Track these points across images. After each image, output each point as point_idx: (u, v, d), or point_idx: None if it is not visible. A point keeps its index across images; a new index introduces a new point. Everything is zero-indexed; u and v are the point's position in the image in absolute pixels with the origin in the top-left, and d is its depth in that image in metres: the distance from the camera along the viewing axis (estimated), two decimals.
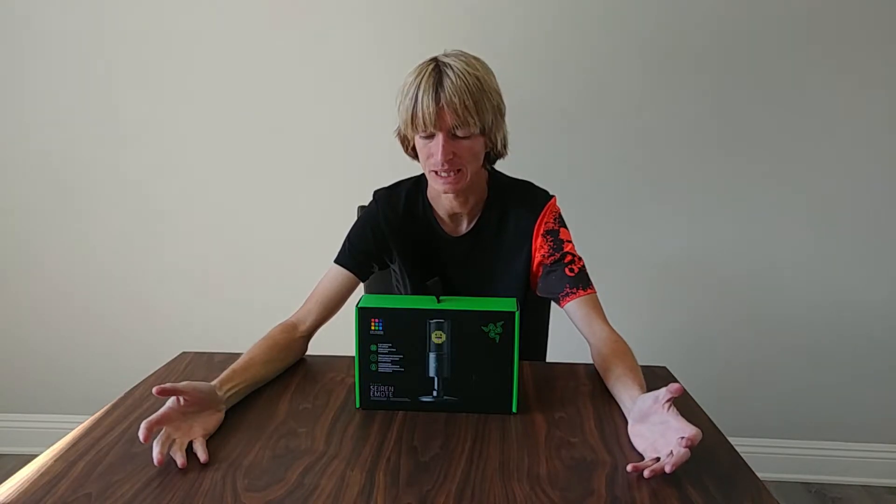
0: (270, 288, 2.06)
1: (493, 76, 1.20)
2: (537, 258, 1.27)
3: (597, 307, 1.22)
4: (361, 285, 1.32)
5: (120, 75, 1.96)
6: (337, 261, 1.29)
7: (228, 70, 1.95)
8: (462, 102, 1.11)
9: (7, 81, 1.99)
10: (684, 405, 1.07)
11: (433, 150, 1.14)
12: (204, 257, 2.07)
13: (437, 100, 1.11)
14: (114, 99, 1.98)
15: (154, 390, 0.90)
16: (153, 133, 2.00)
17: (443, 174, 1.16)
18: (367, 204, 1.36)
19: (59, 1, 1.92)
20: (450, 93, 1.10)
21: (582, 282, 1.22)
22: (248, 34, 1.92)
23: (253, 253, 2.06)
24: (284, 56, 1.93)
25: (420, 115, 1.12)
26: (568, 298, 1.21)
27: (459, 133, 1.14)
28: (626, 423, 0.99)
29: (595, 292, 1.23)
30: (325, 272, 1.29)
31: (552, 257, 1.25)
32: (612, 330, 1.19)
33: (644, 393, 0.97)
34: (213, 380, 1.00)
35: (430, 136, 1.15)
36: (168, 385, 0.91)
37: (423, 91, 1.12)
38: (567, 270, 1.23)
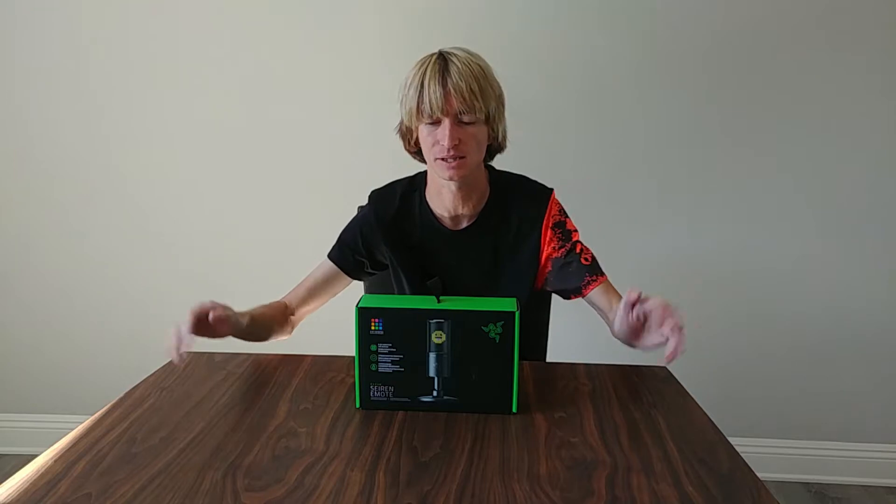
0: (270, 288, 2.03)
1: (493, 71, 1.21)
2: (546, 251, 1.28)
3: (613, 289, 1.27)
4: (362, 286, 1.33)
5: (121, 76, 1.96)
6: (328, 254, 1.33)
7: (229, 70, 1.94)
8: (468, 87, 1.13)
9: (6, 82, 1.99)
10: (684, 405, 1.07)
11: (439, 137, 1.15)
12: (204, 257, 2.07)
13: (443, 84, 1.13)
14: (114, 99, 1.98)
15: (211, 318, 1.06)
16: (153, 133, 2.00)
17: (448, 160, 1.17)
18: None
19: (58, 1, 1.92)
20: (456, 78, 1.13)
21: (598, 268, 1.27)
22: (249, 34, 1.92)
23: (253, 253, 2.05)
24: (284, 56, 1.93)
25: (427, 100, 1.13)
26: (591, 287, 1.25)
27: (465, 119, 1.15)
28: (626, 422, 1.00)
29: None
30: (319, 263, 1.34)
31: (563, 249, 1.26)
32: None
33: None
34: (213, 379, 1.01)
35: (436, 123, 1.16)
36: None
37: (430, 78, 1.14)
38: (582, 260, 1.26)
